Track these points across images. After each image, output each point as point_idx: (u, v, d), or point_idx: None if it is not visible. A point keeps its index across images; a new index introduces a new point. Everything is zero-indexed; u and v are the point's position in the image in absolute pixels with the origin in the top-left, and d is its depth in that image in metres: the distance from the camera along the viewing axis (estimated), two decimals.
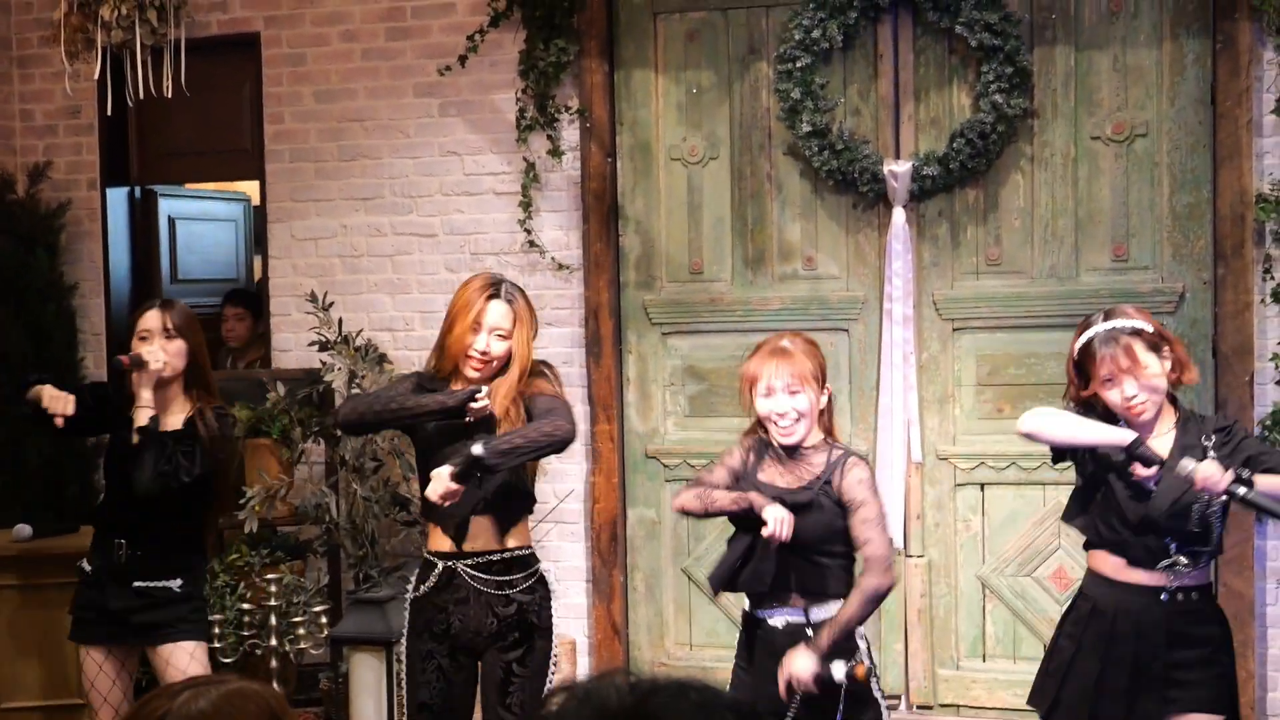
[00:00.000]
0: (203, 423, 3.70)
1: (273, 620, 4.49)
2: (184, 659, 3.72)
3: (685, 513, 3.37)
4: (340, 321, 4.97)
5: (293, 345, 5.29)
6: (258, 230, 6.17)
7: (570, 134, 5.00)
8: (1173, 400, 3.25)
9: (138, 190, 5.82)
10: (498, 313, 3.36)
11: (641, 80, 5.02)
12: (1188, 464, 3.00)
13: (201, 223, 6.35)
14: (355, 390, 4.88)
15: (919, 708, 4.83)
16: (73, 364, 5.44)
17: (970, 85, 4.66)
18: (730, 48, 4.93)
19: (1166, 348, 3.19)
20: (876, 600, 3.15)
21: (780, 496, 3.15)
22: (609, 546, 5.04)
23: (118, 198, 5.71)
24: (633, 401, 5.08)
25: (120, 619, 3.73)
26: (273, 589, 4.52)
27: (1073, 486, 3.41)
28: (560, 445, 3.33)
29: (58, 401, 3.65)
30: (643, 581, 5.11)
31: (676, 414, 5.07)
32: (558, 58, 4.93)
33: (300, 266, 5.32)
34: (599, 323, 5.01)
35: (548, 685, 3.37)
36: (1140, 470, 3.08)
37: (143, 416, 3.63)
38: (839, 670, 3.03)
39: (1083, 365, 3.23)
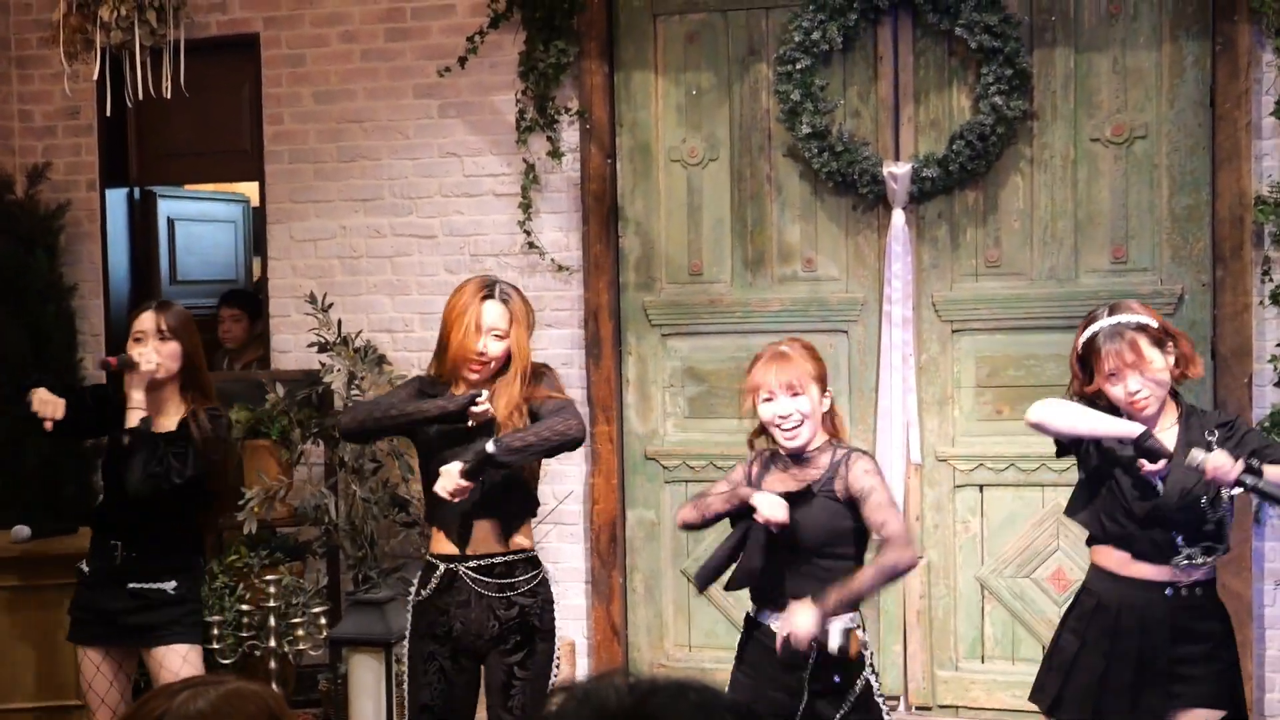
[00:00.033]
0: (196, 424, 3.70)
1: (272, 621, 4.49)
2: (176, 662, 3.71)
3: (686, 526, 3.37)
4: (339, 323, 4.97)
5: (292, 346, 5.29)
6: (257, 231, 6.17)
7: (570, 135, 5.00)
8: (1174, 396, 3.25)
9: (137, 191, 5.82)
10: (494, 313, 3.36)
11: (641, 82, 5.02)
12: (1198, 454, 3.00)
13: (200, 224, 6.35)
14: (355, 391, 4.88)
15: (918, 709, 4.83)
16: (72, 365, 5.44)
17: (970, 87, 4.66)
18: (730, 49, 4.93)
19: (1171, 343, 3.20)
20: (893, 575, 3.12)
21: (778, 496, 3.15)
22: (608, 548, 5.04)
23: (117, 199, 5.71)
24: (632, 403, 5.08)
25: (115, 620, 3.73)
26: (272, 590, 4.51)
27: (1073, 486, 3.41)
28: (571, 444, 3.35)
29: (47, 406, 3.65)
30: (642, 583, 5.11)
31: (676, 415, 5.07)
32: (557, 59, 4.93)
33: (299, 268, 5.32)
34: (599, 324, 5.01)
35: (550, 688, 3.37)
36: (1147, 465, 3.08)
37: (134, 418, 3.63)
38: (835, 635, 3.02)
39: (1087, 360, 3.24)
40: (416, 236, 5.20)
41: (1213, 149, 4.49)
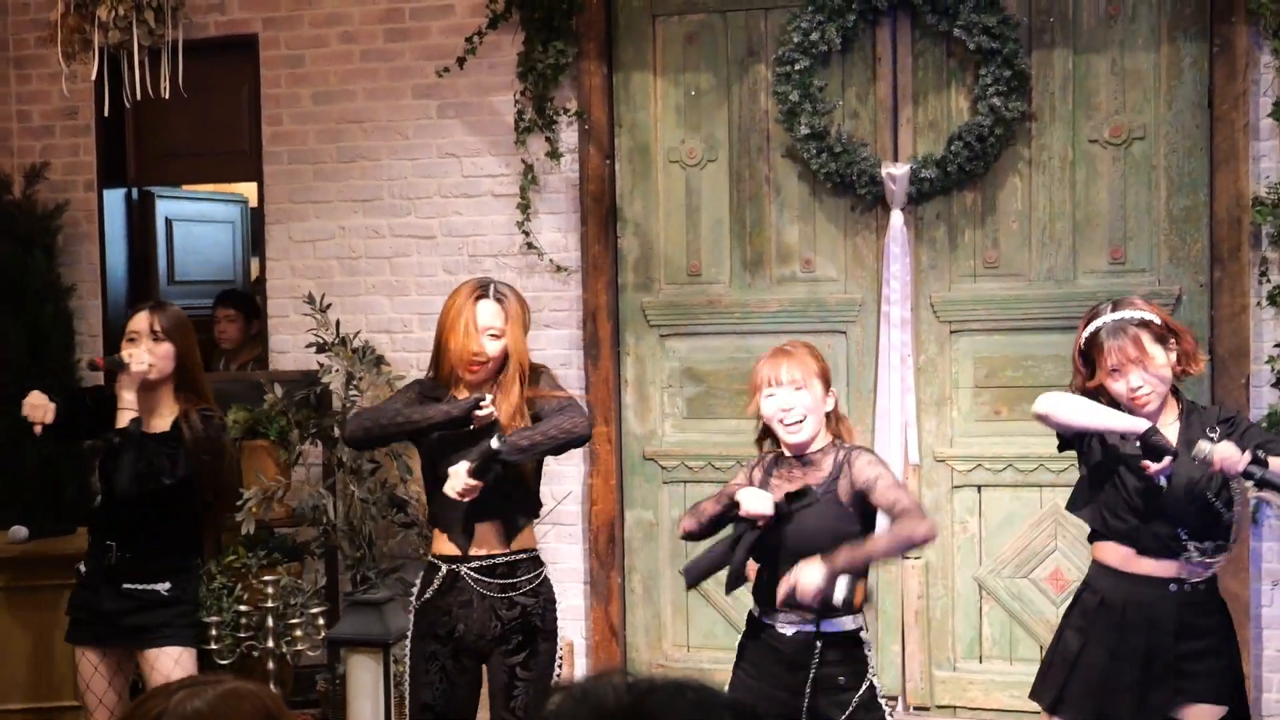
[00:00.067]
0: (187, 425, 3.69)
1: (270, 622, 4.49)
2: (168, 664, 3.70)
3: (687, 535, 3.37)
4: (338, 323, 4.97)
5: (290, 347, 5.29)
6: (255, 232, 6.17)
7: (569, 136, 5.00)
8: (1175, 393, 3.25)
9: (135, 191, 5.81)
10: (489, 312, 3.37)
11: (640, 82, 5.02)
12: (1205, 445, 3.00)
13: (199, 224, 6.35)
14: (353, 392, 4.88)
15: (916, 709, 4.83)
16: (70, 365, 5.44)
17: (968, 88, 4.67)
18: (729, 50, 4.94)
19: (1173, 339, 3.20)
20: (909, 543, 3.11)
21: (779, 502, 3.14)
22: (607, 548, 5.04)
23: (115, 199, 5.70)
24: (630, 403, 5.08)
25: (111, 620, 3.74)
26: (270, 591, 4.51)
27: (1070, 487, 3.41)
28: (578, 441, 3.36)
29: (36, 411, 3.66)
30: (640, 583, 5.11)
31: (674, 416, 5.07)
32: (556, 60, 4.94)
33: (298, 268, 5.31)
34: (597, 325, 5.01)
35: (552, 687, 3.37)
36: (1152, 466, 3.07)
37: (123, 418, 3.63)
38: (840, 590, 3.02)
39: (1089, 355, 3.24)
40: (415, 237, 5.20)
41: (1210, 150, 4.49)
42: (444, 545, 3.41)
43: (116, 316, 5.48)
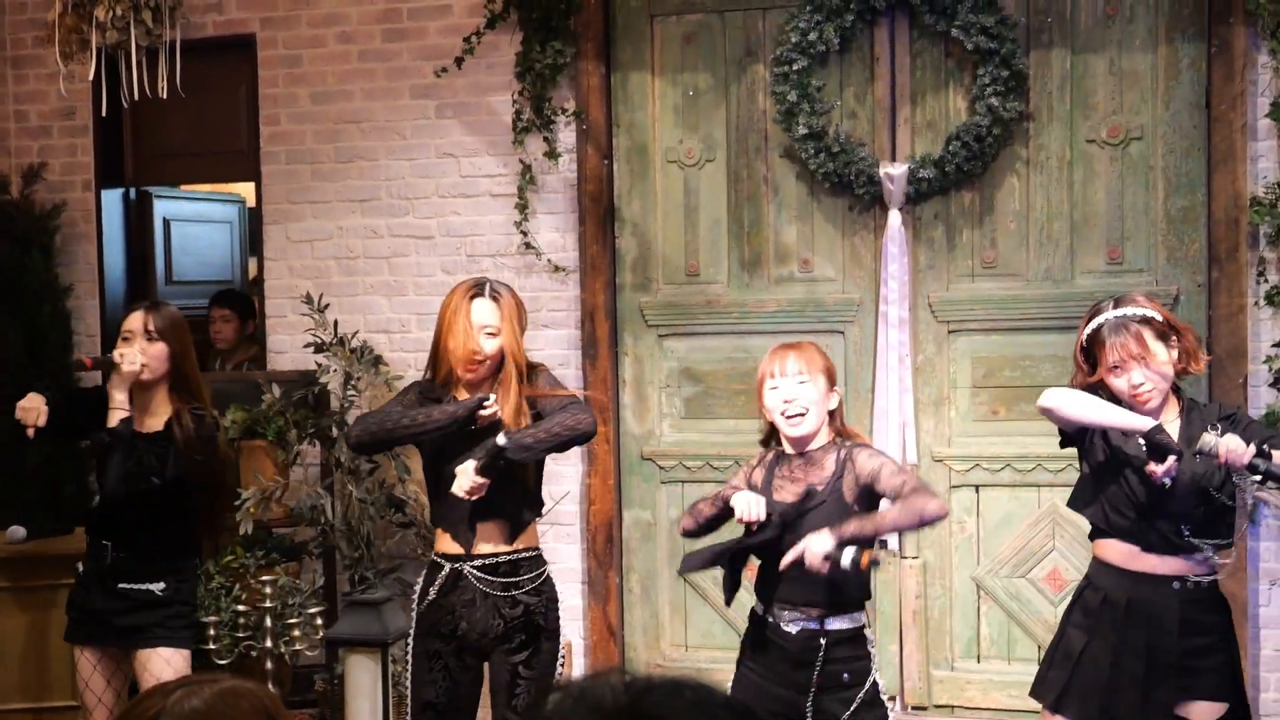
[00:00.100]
0: (179, 425, 3.69)
1: (268, 622, 4.49)
2: (160, 665, 3.69)
3: (686, 534, 3.41)
4: (336, 323, 4.97)
5: (288, 347, 5.29)
6: (253, 232, 6.17)
7: (567, 136, 5.00)
8: (1176, 391, 3.26)
9: (133, 191, 5.81)
10: (484, 311, 3.37)
11: (638, 82, 5.02)
12: (1210, 438, 3.00)
13: (196, 224, 6.35)
14: (351, 392, 4.88)
15: (914, 708, 4.83)
16: (67, 365, 5.42)
17: (966, 88, 4.67)
18: (727, 50, 4.94)
19: (1175, 337, 3.20)
20: (919, 519, 3.09)
21: (786, 510, 3.14)
22: (605, 548, 5.04)
23: (113, 199, 5.70)
24: (629, 403, 5.08)
25: (105, 620, 3.74)
26: (268, 591, 4.51)
27: (1068, 486, 3.41)
28: (583, 437, 3.37)
29: (29, 414, 3.65)
30: (638, 583, 5.11)
31: (672, 416, 5.07)
32: (554, 60, 4.94)
33: (296, 268, 5.31)
34: (595, 325, 5.01)
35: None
36: (1155, 468, 3.07)
37: (114, 418, 3.63)
38: (848, 556, 3.03)
39: (1090, 351, 3.25)
40: (413, 237, 5.19)
41: (1208, 150, 4.49)
42: (447, 544, 3.41)
43: (114, 316, 5.47)
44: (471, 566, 3.37)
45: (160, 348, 3.71)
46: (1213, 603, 3.24)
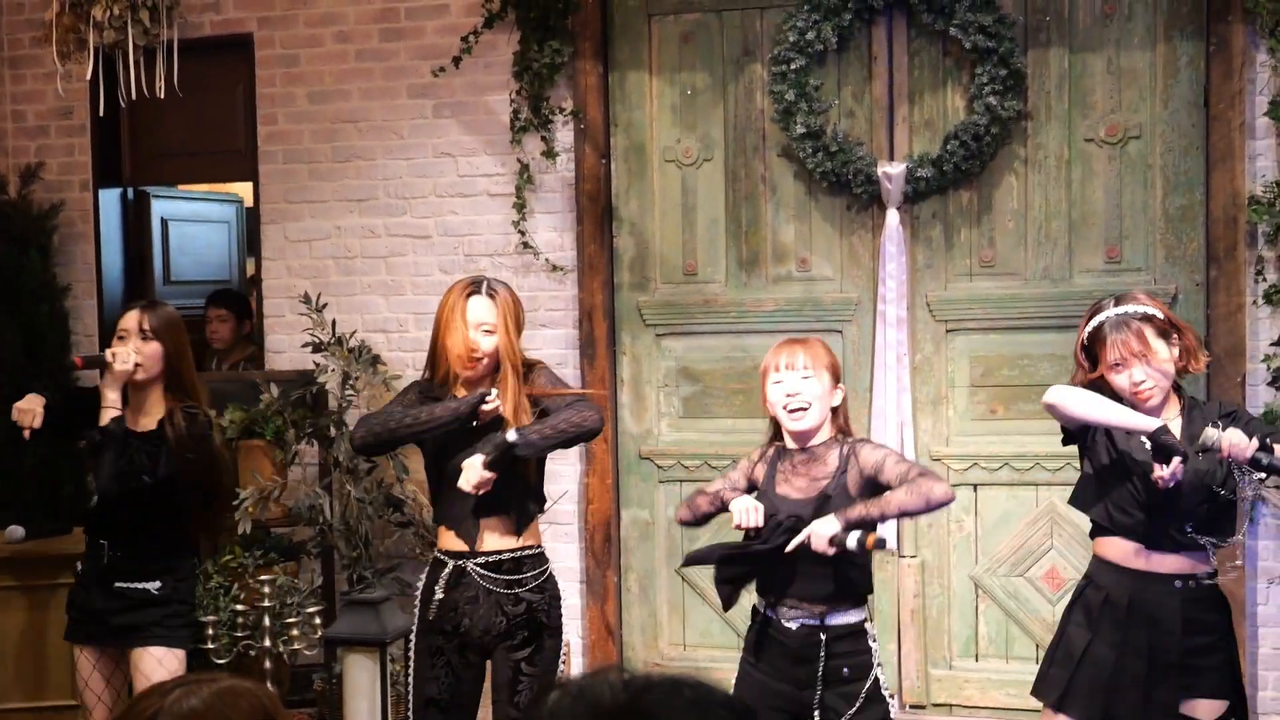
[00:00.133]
0: (170, 424, 3.68)
1: (266, 621, 4.49)
2: (151, 664, 3.69)
3: (682, 523, 3.44)
4: (334, 323, 4.97)
5: (286, 347, 5.29)
6: (251, 231, 6.16)
7: (564, 135, 5.00)
8: (1177, 389, 3.26)
9: (130, 191, 5.80)
10: (480, 308, 3.38)
11: (636, 82, 5.02)
12: (1212, 432, 3.00)
13: (194, 224, 6.34)
14: (349, 392, 4.88)
15: (912, 707, 4.83)
16: (65, 365, 5.42)
17: (964, 87, 4.67)
18: (725, 49, 4.94)
19: (1176, 335, 3.21)
20: (926, 502, 3.08)
21: (797, 513, 3.14)
22: (603, 547, 5.04)
23: (110, 199, 5.70)
24: (626, 403, 5.08)
25: (102, 619, 3.74)
26: (266, 590, 4.51)
27: (1066, 485, 3.41)
28: (589, 435, 3.39)
29: (25, 415, 3.65)
30: (636, 582, 5.11)
31: (670, 415, 5.07)
32: (552, 59, 4.93)
33: (294, 268, 5.31)
34: (593, 324, 5.01)
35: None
36: (1161, 472, 3.06)
37: (105, 417, 3.63)
38: (853, 539, 3.03)
39: (1091, 349, 3.25)
40: (411, 237, 5.19)
41: (1207, 149, 4.49)
42: (450, 541, 3.42)
43: (112, 316, 5.45)
44: (475, 564, 3.38)
45: (155, 347, 3.71)
46: (1213, 601, 3.24)
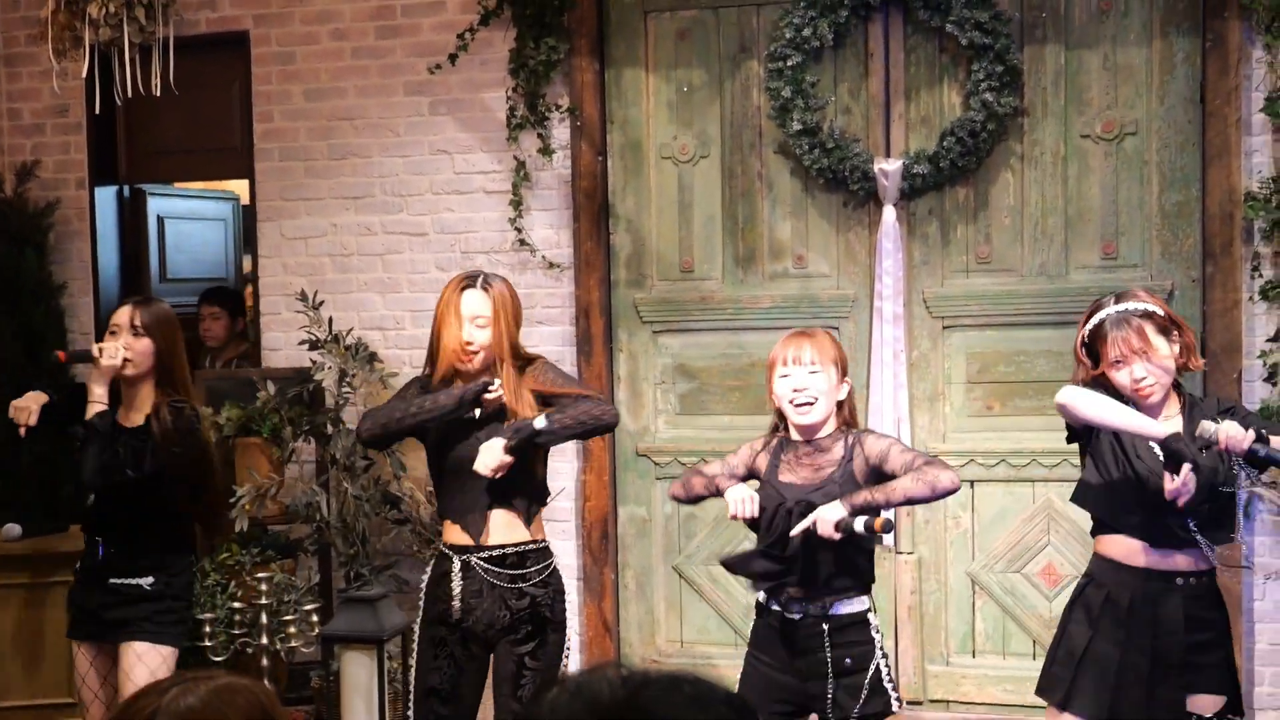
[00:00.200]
0: (156, 419, 3.68)
1: (263, 619, 4.48)
2: (130, 659, 3.67)
3: (673, 498, 3.47)
4: (330, 320, 4.96)
5: (283, 344, 5.28)
6: (247, 229, 6.16)
7: (561, 132, 5.00)
8: (1176, 387, 3.26)
9: (126, 189, 5.80)
10: (474, 301, 3.40)
11: (632, 79, 5.02)
12: (1209, 425, 3.00)
13: (190, 221, 6.33)
14: (346, 389, 4.88)
15: (909, 703, 4.83)
16: (50, 360, 5.42)
17: (961, 84, 4.67)
18: (721, 46, 4.93)
19: (1176, 332, 3.21)
20: (933, 489, 3.09)
21: (806, 499, 3.15)
22: (600, 544, 5.04)
23: (106, 197, 5.69)
24: (623, 400, 5.08)
25: (96, 615, 3.74)
26: (263, 588, 4.51)
27: (1063, 481, 3.41)
28: (607, 427, 3.45)
29: (21, 413, 3.66)
30: (634, 579, 5.11)
31: (667, 412, 5.07)
32: (548, 56, 4.93)
33: (290, 265, 5.30)
34: (590, 321, 5.01)
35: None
36: (1171, 484, 3.06)
37: (91, 411, 3.63)
38: (859, 522, 3.04)
39: (1092, 347, 3.25)
40: (407, 234, 5.19)
41: (1203, 145, 4.50)
42: (455, 535, 3.44)
43: (108, 314, 5.42)
44: (479, 558, 3.40)
45: (145, 343, 3.71)
46: (1213, 598, 3.25)
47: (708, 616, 5.03)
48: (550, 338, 5.00)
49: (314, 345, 4.89)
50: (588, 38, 4.96)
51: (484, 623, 3.40)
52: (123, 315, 3.74)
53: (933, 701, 4.83)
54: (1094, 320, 3.25)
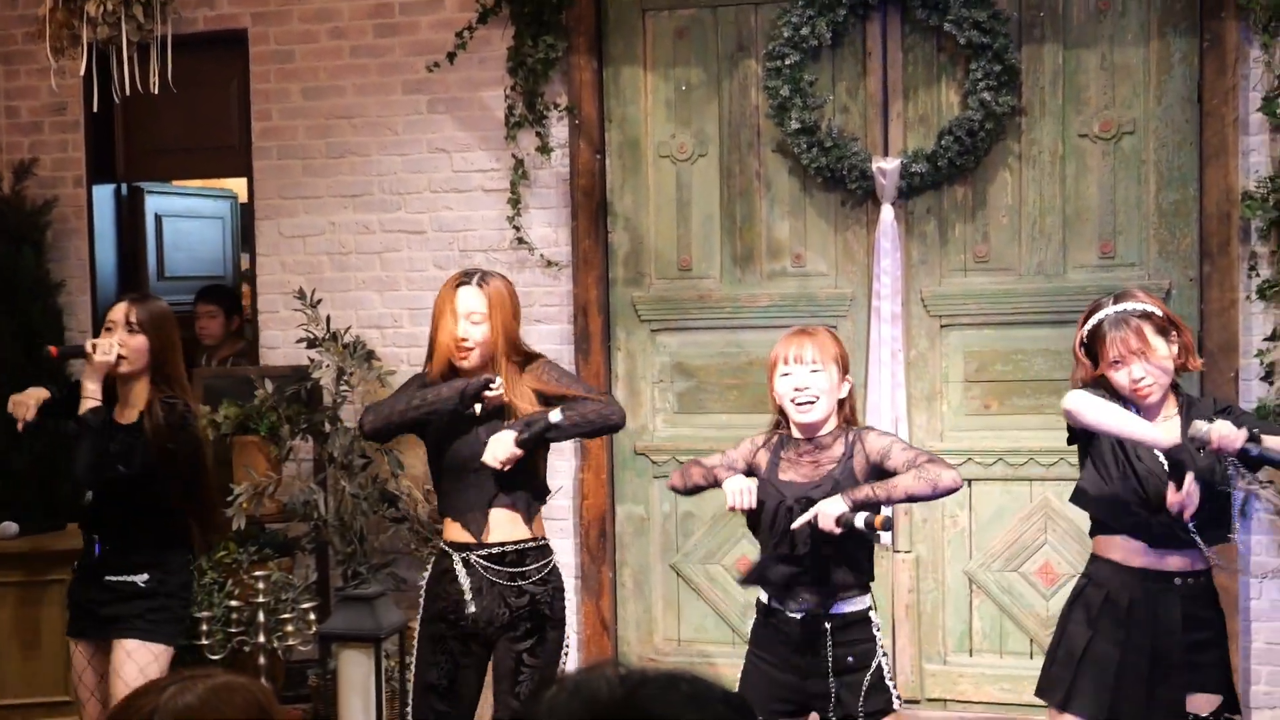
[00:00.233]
0: (149, 415, 3.68)
1: (261, 617, 4.48)
2: (120, 657, 3.66)
3: (672, 488, 3.48)
4: (328, 319, 4.96)
5: (280, 342, 5.28)
6: (245, 227, 6.15)
7: (559, 131, 5.00)
8: (1174, 387, 3.27)
9: (124, 187, 5.79)
10: (469, 298, 3.42)
11: (630, 77, 5.02)
12: (1201, 425, 3.00)
13: (188, 220, 6.33)
14: (343, 387, 4.88)
15: (906, 702, 4.83)
16: (41, 356, 5.41)
17: (959, 83, 4.67)
18: (719, 45, 4.93)
19: (1174, 332, 3.21)
20: (933, 487, 3.09)
21: (806, 496, 3.16)
22: (598, 543, 5.05)
23: (104, 195, 5.68)
24: (621, 398, 5.08)
25: (92, 613, 3.74)
26: (261, 586, 4.51)
27: (1060, 480, 3.42)
28: (614, 428, 3.47)
29: (19, 407, 3.66)
30: (631, 578, 5.11)
31: (665, 411, 5.07)
32: (546, 54, 4.93)
33: (288, 264, 5.30)
34: (588, 319, 5.01)
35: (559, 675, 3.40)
36: (1175, 497, 3.06)
37: (83, 407, 3.63)
38: (860, 518, 3.05)
39: (1091, 347, 3.25)
40: (405, 232, 5.19)
41: (1200, 145, 4.50)
42: (455, 533, 3.45)
43: (106, 312, 5.45)
44: (478, 556, 3.40)
45: (140, 340, 3.70)
46: (1210, 597, 3.26)
47: (705, 615, 5.03)
48: (548, 336, 5.00)
49: (312, 343, 4.89)
50: (586, 36, 4.96)
51: (483, 620, 3.41)
52: (118, 312, 3.74)
53: (930, 700, 4.84)
54: (1093, 320, 3.25)
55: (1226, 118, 4.42)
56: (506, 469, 3.33)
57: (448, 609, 3.43)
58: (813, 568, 3.17)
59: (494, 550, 3.41)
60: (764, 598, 3.29)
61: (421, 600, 3.53)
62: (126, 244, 5.82)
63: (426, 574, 3.54)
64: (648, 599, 5.10)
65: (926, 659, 4.83)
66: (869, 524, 3.04)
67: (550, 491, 3.60)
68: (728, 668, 4.70)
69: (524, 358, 3.48)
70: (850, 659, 3.17)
